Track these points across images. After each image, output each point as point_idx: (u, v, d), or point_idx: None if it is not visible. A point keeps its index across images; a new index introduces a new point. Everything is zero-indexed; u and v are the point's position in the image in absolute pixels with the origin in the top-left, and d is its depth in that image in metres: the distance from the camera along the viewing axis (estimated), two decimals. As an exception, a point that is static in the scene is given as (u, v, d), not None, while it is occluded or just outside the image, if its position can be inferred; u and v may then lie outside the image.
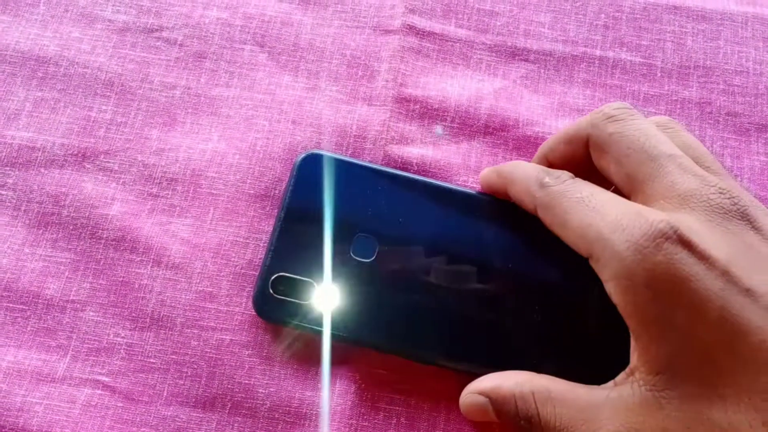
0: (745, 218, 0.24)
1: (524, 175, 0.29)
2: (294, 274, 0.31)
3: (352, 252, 0.31)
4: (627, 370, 0.24)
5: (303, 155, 0.33)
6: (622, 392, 0.24)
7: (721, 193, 0.24)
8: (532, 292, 0.30)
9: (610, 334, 0.26)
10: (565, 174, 0.27)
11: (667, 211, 0.24)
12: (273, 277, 0.31)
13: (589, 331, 0.29)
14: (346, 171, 0.33)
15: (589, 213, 0.25)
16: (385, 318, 0.30)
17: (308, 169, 0.33)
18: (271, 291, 0.31)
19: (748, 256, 0.23)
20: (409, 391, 0.31)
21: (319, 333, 0.30)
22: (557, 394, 0.25)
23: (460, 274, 0.30)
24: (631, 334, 0.24)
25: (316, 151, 0.33)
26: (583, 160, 0.29)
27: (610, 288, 0.24)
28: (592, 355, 0.28)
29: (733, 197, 0.24)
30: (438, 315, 0.30)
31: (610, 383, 0.25)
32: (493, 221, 0.31)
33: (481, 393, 0.28)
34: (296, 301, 0.30)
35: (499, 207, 0.32)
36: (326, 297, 0.30)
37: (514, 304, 0.30)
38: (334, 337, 0.30)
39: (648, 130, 0.26)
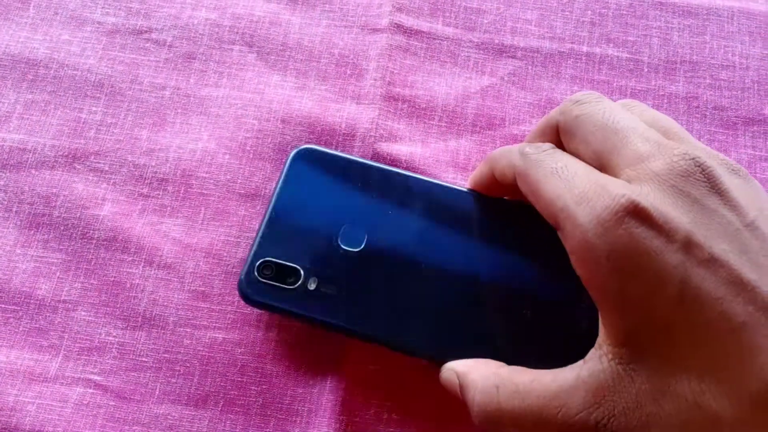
0: (710, 181, 0.24)
1: (507, 150, 0.29)
2: (281, 260, 0.31)
3: (341, 241, 0.31)
4: (596, 344, 0.24)
5: (298, 149, 0.33)
6: (592, 369, 0.24)
7: (683, 157, 0.24)
8: (519, 286, 0.30)
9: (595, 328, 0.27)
10: (546, 144, 0.27)
11: (633, 182, 0.24)
12: (259, 262, 0.31)
13: (574, 326, 0.29)
14: (338, 165, 0.33)
15: (560, 184, 0.25)
16: (370, 307, 0.30)
17: (301, 162, 0.33)
18: (256, 275, 0.30)
19: (710, 223, 0.23)
20: (399, 387, 0.32)
21: (304, 318, 0.30)
22: (524, 387, 0.25)
23: (445, 267, 0.30)
24: (597, 307, 0.24)
25: (310, 145, 0.33)
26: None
27: (574, 260, 0.24)
28: (579, 349, 0.29)
29: (696, 158, 0.24)
30: (422, 307, 0.30)
31: (579, 362, 0.25)
32: (480, 216, 0.32)
33: (454, 371, 0.28)
34: (281, 285, 0.30)
35: (485, 202, 0.32)
36: (312, 283, 0.30)
37: (499, 298, 0.30)
38: (320, 323, 0.30)
39: (613, 109, 0.27)
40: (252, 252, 0.31)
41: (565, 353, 0.26)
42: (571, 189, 0.24)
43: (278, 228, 0.31)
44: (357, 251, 0.31)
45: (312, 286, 0.30)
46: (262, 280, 0.30)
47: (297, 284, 0.30)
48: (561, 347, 0.29)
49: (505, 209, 0.31)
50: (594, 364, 0.24)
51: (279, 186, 0.32)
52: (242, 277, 0.31)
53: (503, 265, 0.31)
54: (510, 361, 0.27)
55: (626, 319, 0.23)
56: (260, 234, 0.31)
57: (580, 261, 0.24)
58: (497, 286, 0.30)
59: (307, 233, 0.31)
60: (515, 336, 0.29)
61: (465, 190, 0.32)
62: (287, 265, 0.31)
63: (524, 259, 0.31)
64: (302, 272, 0.30)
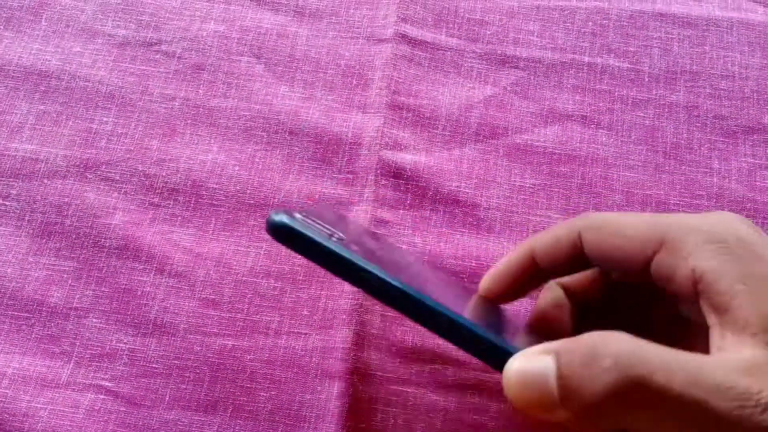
0: None
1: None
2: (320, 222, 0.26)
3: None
4: (728, 336, 0.22)
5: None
6: (752, 355, 0.20)
7: None
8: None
9: None
10: None
11: None
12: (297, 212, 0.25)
13: None
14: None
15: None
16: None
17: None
18: (293, 213, 0.25)
19: None
20: (406, 393, 0.32)
21: (336, 259, 0.24)
22: (692, 364, 0.20)
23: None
24: (728, 298, 0.22)
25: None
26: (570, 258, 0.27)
27: (702, 253, 0.23)
28: None
29: None
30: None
31: (714, 353, 0.22)
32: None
33: (538, 353, 0.21)
34: (318, 227, 0.25)
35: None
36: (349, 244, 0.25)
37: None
38: (352, 268, 0.24)
39: None
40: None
41: None
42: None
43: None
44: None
45: (355, 248, 0.25)
46: (302, 219, 0.25)
47: (338, 239, 0.25)
48: None
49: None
50: (745, 352, 0.21)
51: None
52: (281, 213, 0.24)
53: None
54: None
55: None
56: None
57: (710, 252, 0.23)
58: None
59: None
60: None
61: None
62: (326, 227, 0.26)
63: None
64: (344, 236, 0.26)
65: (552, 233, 0.27)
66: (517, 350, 0.22)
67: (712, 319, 0.23)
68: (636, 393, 0.19)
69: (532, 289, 0.29)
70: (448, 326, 0.23)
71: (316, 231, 0.24)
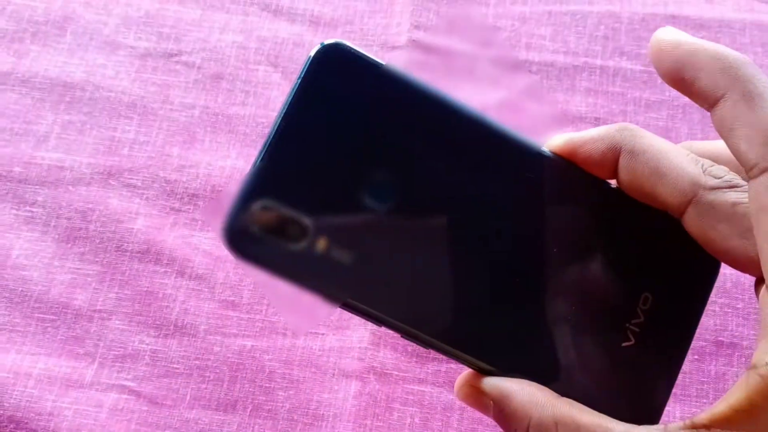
0: None
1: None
2: (283, 207, 0.21)
3: (365, 193, 0.22)
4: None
5: (321, 45, 0.21)
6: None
7: None
8: (569, 284, 0.23)
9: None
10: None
11: None
12: (256, 204, 0.21)
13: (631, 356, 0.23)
14: (375, 80, 0.22)
15: None
16: (391, 286, 0.22)
17: (325, 68, 0.22)
18: (250, 220, 0.21)
19: None
20: (423, 392, 0.32)
21: (306, 288, 0.21)
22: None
23: (499, 249, 0.23)
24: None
25: (340, 41, 0.21)
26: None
27: None
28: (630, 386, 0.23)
29: None
30: (460, 294, 0.22)
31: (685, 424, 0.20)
32: (558, 193, 0.23)
33: (487, 393, 0.22)
34: (282, 241, 0.21)
35: (572, 175, 0.23)
36: (321, 244, 0.21)
37: (544, 293, 0.23)
38: (326, 297, 0.21)
39: None
40: (245, 188, 0.21)
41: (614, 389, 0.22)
42: None
43: (283, 161, 0.21)
44: (385, 209, 0.22)
45: (320, 249, 0.21)
46: (256, 227, 0.21)
47: (302, 243, 0.21)
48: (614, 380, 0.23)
49: (596, 191, 0.23)
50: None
51: (292, 97, 0.21)
52: (230, 220, 0.21)
53: (576, 257, 0.23)
54: (553, 387, 0.22)
55: None
56: (258, 164, 0.21)
57: None
58: (562, 284, 0.23)
59: (321, 174, 0.22)
60: (559, 347, 0.23)
61: (548, 154, 0.23)
62: (291, 216, 0.21)
63: (603, 256, 0.23)
64: (310, 228, 0.21)
65: (596, 147, 0.23)
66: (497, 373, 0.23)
67: None
68: None
69: None
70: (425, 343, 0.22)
71: (273, 250, 0.21)
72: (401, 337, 0.22)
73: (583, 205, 0.23)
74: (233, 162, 0.37)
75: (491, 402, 0.23)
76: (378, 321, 0.22)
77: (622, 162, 0.22)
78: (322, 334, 0.34)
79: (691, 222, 0.21)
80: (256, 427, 0.32)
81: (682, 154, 0.21)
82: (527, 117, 0.39)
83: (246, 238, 0.21)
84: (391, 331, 0.22)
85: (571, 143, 0.23)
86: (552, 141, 0.24)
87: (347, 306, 0.22)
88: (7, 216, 0.36)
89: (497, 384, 0.22)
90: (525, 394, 0.22)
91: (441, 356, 0.33)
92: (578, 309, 0.23)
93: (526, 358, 0.23)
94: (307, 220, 0.21)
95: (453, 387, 0.32)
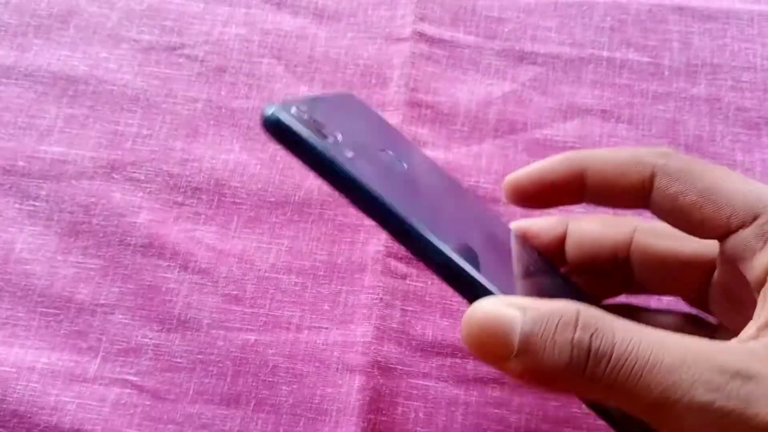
0: None
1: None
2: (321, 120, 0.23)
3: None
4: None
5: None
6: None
7: None
8: None
9: None
10: None
11: None
12: (299, 104, 0.23)
13: None
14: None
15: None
16: (402, 192, 0.24)
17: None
18: (294, 109, 0.22)
19: None
20: (427, 387, 0.32)
21: (332, 170, 0.22)
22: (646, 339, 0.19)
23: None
24: None
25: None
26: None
27: None
28: None
29: None
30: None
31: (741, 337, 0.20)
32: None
33: (511, 305, 0.20)
34: (320, 131, 0.22)
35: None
36: (348, 151, 0.23)
37: None
38: (347, 182, 0.22)
39: None
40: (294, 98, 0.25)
41: None
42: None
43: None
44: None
45: (348, 154, 0.22)
46: (298, 114, 0.22)
47: (333, 140, 0.23)
48: None
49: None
50: None
51: None
52: (275, 106, 0.22)
53: None
54: None
55: None
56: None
57: None
58: None
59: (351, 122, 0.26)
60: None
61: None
62: (327, 125, 0.23)
63: None
64: (341, 138, 0.23)
65: (616, 163, 0.25)
66: (491, 292, 0.21)
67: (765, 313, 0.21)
68: (595, 369, 0.19)
69: (563, 203, 0.27)
70: (424, 248, 0.21)
71: (308, 128, 0.22)
72: (391, 233, 0.22)
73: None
74: (236, 155, 0.37)
75: (519, 317, 0.20)
76: (374, 206, 0.22)
77: (663, 184, 0.24)
78: (326, 328, 0.33)
79: None
80: (260, 421, 0.32)
81: None
82: (533, 109, 0.39)
83: (289, 118, 0.21)
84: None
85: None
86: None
87: (348, 185, 0.22)
88: (10, 210, 0.36)
89: (513, 297, 0.21)
90: (548, 301, 0.20)
91: (445, 350, 0.33)
92: None
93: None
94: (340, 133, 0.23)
95: (457, 382, 0.32)
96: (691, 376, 0.18)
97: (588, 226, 0.28)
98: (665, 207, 0.24)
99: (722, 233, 0.23)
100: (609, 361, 0.19)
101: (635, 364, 0.18)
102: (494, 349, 0.20)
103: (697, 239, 0.24)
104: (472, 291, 0.21)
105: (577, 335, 0.19)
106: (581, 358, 0.19)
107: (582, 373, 0.19)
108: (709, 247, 0.24)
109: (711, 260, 0.25)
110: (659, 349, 0.19)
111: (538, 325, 0.19)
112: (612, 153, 0.25)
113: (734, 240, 0.22)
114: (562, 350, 0.19)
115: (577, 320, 0.19)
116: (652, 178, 0.24)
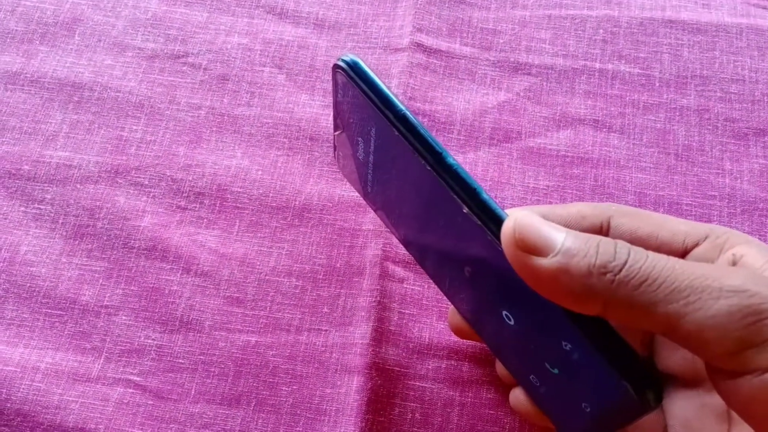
0: None
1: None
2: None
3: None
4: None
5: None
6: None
7: None
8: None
9: None
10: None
11: None
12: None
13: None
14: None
15: None
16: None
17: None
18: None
19: None
20: (423, 388, 0.33)
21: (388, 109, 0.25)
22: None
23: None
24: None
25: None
26: None
27: (746, 248, 0.24)
28: None
29: None
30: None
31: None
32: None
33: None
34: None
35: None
36: None
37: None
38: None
39: None
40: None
41: None
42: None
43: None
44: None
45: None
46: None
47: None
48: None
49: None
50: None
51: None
52: (350, 54, 0.27)
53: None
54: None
55: None
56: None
57: None
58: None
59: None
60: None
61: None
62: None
63: None
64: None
65: (575, 208, 0.27)
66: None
67: None
68: (630, 273, 0.21)
69: None
70: (462, 181, 0.24)
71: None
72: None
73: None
74: (238, 161, 0.38)
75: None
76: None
77: (619, 222, 0.27)
78: (325, 330, 0.34)
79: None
80: (260, 421, 0.32)
81: None
82: (527, 118, 0.39)
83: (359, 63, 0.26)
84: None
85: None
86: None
87: (407, 125, 0.25)
88: (16, 213, 0.36)
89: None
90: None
91: (441, 353, 0.33)
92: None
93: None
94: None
95: (453, 384, 0.33)
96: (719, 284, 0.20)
97: (566, 211, 0.29)
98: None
99: (680, 253, 0.25)
100: (642, 268, 0.21)
101: (668, 274, 0.20)
102: (538, 243, 0.21)
103: (668, 228, 0.26)
104: (495, 220, 0.23)
105: (618, 247, 0.21)
106: (618, 265, 0.21)
107: (614, 277, 0.21)
108: (677, 236, 0.26)
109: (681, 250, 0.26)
110: (689, 265, 0.21)
111: (581, 238, 0.22)
112: (565, 207, 0.28)
113: (692, 257, 0.25)
114: (605, 251, 0.21)
115: (616, 244, 0.21)
116: (608, 219, 0.27)
